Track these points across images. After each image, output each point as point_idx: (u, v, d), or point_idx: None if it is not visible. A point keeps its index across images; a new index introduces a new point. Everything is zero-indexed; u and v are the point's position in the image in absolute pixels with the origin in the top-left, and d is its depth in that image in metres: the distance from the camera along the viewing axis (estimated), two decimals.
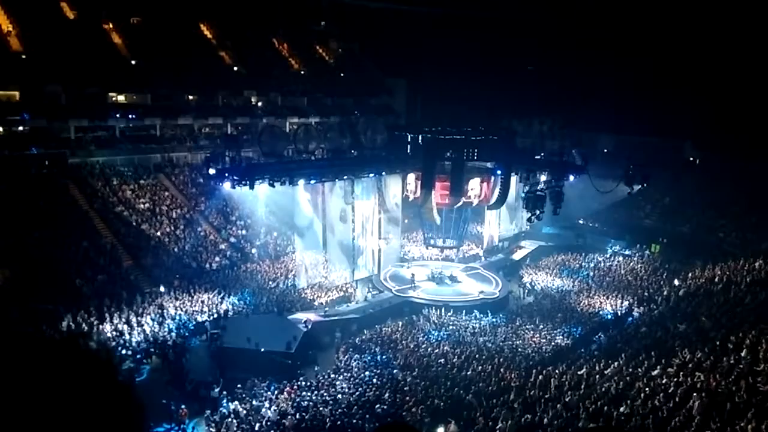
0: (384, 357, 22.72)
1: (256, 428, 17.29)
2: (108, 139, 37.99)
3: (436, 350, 23.38)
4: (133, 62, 40.74)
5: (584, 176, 41.20)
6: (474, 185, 33.05)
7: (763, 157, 40.98)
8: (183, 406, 18.35)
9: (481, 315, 28.31)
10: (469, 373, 20.38)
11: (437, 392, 18.97)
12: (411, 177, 33.74)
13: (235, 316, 26.32)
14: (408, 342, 24.35)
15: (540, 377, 19.13)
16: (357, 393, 19.14)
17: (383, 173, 35.28)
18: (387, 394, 18.87)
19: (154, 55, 40.83)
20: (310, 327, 24.85)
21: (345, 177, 33.90)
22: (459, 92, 48.02)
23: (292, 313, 26.77)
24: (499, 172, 33.14)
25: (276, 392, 19.63)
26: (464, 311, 28.53)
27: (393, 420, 16.02)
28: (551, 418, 15.94)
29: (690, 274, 29.52)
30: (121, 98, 40.00)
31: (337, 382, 20.31)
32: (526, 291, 32.40)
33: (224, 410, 18.29)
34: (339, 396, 19.06)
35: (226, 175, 29.24)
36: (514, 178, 34.39)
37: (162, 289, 26.96)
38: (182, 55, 41.95)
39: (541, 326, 26.17)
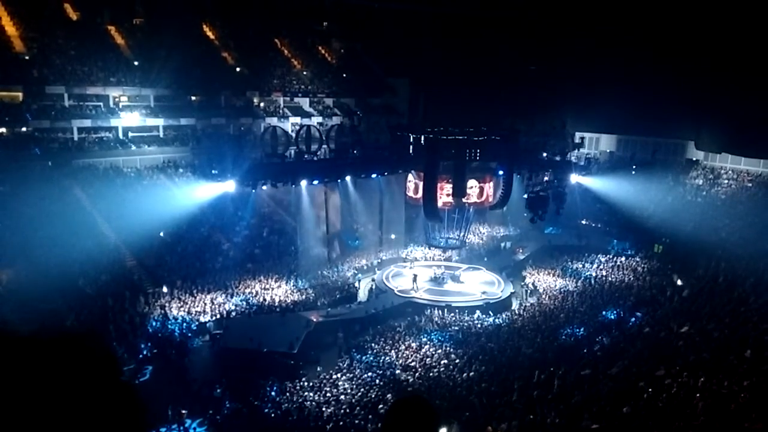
0: (386, 357, 22.71)
1: (259, 428, 17.30)
2: (111, 139, 38.09)
3: (439, 351, 23.36)
4: (135, 63, 40.85)
5: (587, 176, 41.27)
6: (476, 185, 33.03)
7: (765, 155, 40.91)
8: (184, 411, 18.25)
9: (484, 316, 28.28)
10: (471, 373, 20.35)
11: (440, 393, 18.95)
12: (413, 177, 33.72)
13: (237, 316, 26.36)
14: (410, 342, 24.33)
15: (543, 378, 19.09)
16: (359, 393, 19.16)
17: (385, 173, 35.37)
18: (389, 395, 18.86)
19: (156, 56, 40.92)
20: (312, 327, 24.87)
21: (347, 177, 34.03)
22: (461, 92, 47.97)
23: (294, 314, 26.80)
24: (501, 172, 33.13)
25: (278, 392, 19.65)
26: (467, 312, 28.49)
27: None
28: (554, 419, 15.90)
29: (693, 274, 29.44)
30: (123, 99, 40.10)
31: (340, 383, 20.32)
32: (529, 291, 32.32)
33: (227, 410, 18.30)
34: (341, 396, 19.07)
35: (229, 175, 29.37)
36: (516, 179, 34.40)
37: (165, 289, 27.00)
38: (185, 56, 42.03)
39: (544, 327, 26.11)
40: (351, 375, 21.01)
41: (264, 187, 30.23)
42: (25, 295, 22.90)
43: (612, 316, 26.98)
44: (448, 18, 55.26)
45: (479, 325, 26.95)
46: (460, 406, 18.01)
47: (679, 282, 28.62)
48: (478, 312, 28.53)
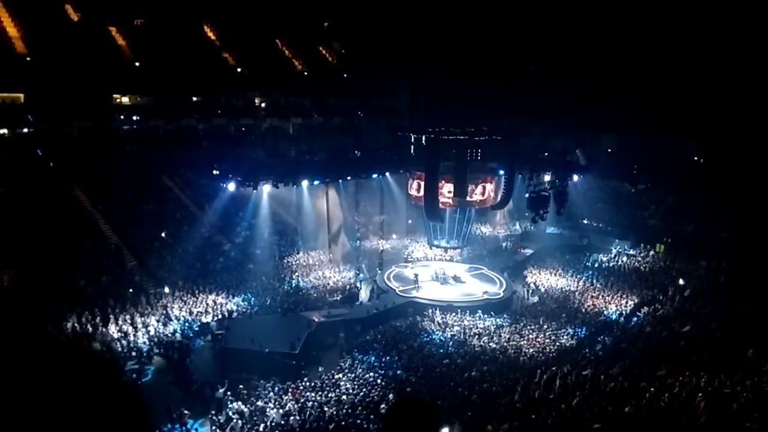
0: (388, 358, 22.70)
1: (261, 429, 17.31)
2: (112, 140, 38.10)
3: (440, 351, 23.35)
4: (136, 63, 40.88)
5: (588, 176, 41.25)
6: (477, 186, 33.01)
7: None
8: (186, 412, 18.18)
9: (485, 315, 28.26)
10: (473, 373, 20.33)
11: (441, 393, 18.95)
12: (415, 177, 33.72)
13: (239, 316, 26.36)
14: (412, 343, 24.32)
15: (544, 378, 19.07)
16: (361, 393, 19.15)
17: (386, 174, 35.38)
18: (391, 395, 18.85)
19: (157, 57, 40.96)
20: (313, 328, 24.87)
21: (348, 177, 34.03)
22: (462, 92, 47.96)
23: (296, 314, 26.79)
24: (502, 172, 33.11)
25: (280, 393, 19.65)
26: (468, 312, 28.47)
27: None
28: (556, 419, 15.88)
29: (695, 274, 29.41)
30: (125, 100, 40.12)
31: (341, 383, 20.31)
32: (530, 291, 32.30)
33: (228, 411, 18.31)
34: (343, 396, 19.07)
35: (230, 175, 29.41)
36: (517, 178, 34.36)
37: (166, 289, 27.00)
38: (186, 56, 42.06)
39: (545, 327, 26.11)
40: (352, 375, 21.00)
41: (265, 187, 30.25)
42: (26, 295, 22.95)
43: (613, 316, 27.00)
44: (447, 18, 55.24)
45: (481, 325, 26.93)
46: (462, 405, 18.00)
47: (681, 281, 28.62)
48: (479, 312, 28.50)
